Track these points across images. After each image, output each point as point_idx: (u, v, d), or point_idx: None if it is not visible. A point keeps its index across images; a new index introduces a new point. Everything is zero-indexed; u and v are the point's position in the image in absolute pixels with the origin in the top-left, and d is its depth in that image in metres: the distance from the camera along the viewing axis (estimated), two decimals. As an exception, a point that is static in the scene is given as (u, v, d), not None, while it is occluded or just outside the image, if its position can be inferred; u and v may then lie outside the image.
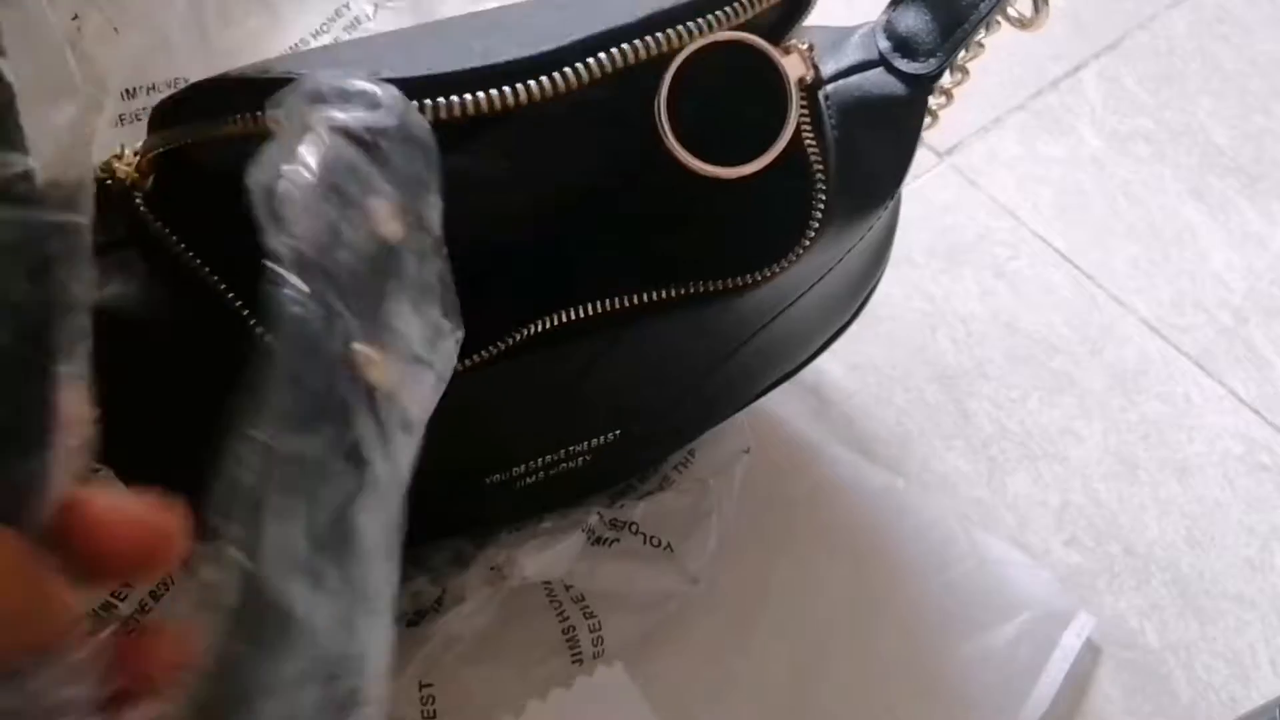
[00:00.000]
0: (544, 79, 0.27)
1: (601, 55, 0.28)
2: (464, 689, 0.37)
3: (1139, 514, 0.46)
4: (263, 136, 0.25)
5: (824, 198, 0.32)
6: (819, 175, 0.31)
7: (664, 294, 0.31)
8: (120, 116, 0.44)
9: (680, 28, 0.28)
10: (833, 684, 0.39)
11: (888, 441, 0.46)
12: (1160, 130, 0.57)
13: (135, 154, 0.27)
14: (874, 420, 0.47)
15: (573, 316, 0.30)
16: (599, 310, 0.31)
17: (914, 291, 0.51)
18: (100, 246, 0.28)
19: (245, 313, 0.28)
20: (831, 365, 0.43)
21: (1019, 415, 0.47)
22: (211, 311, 0.28)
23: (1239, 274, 0.53)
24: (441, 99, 0.27)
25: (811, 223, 0.32)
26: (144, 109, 0.44)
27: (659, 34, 0.28)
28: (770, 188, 0.30)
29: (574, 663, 0.38)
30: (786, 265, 0.32)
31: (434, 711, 0.37)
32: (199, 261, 0.28)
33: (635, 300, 0.31)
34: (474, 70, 0.27)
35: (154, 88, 0.44)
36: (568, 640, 0.39)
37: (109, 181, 0.27)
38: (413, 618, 0.39)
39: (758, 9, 0.29)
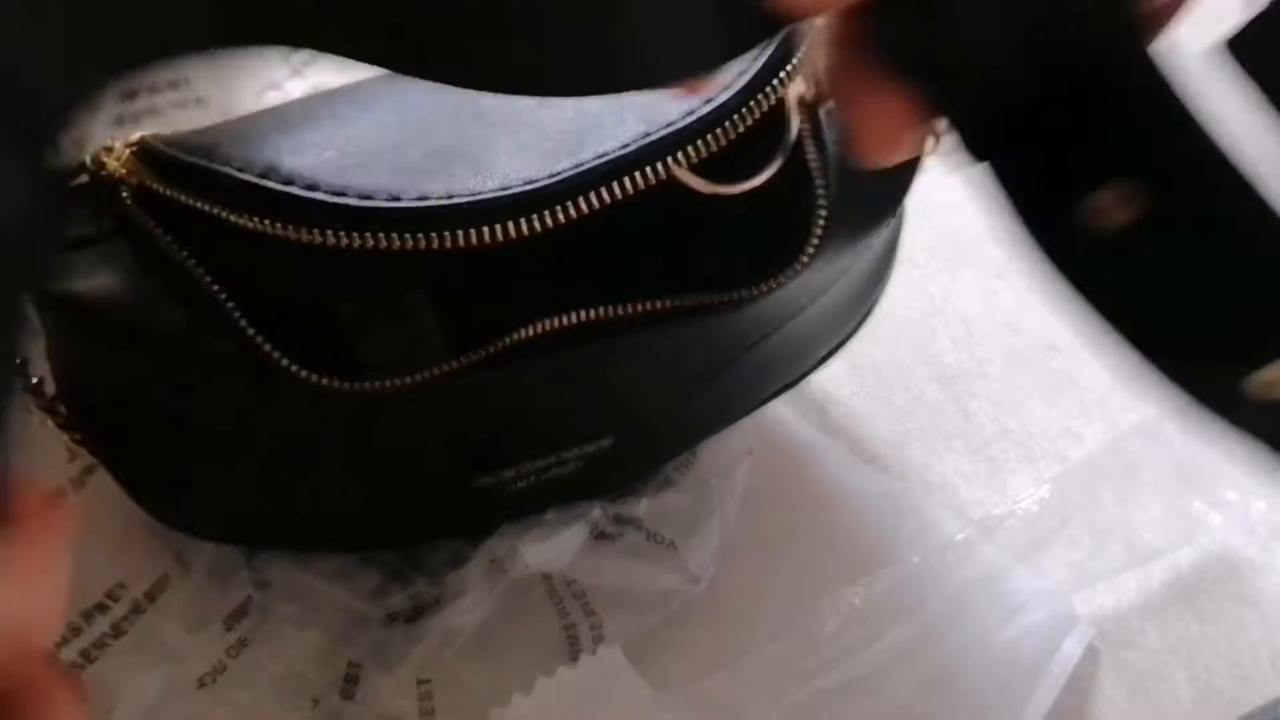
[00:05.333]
0: (526, 219, 0.27)
1: (592, 195, 0.28)
2: (463, 685, 0.37)
3: (1138, 513, 0.46)
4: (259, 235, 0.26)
5: (824, 213, 0.32)
6: (820, 191, 0.32)
7: (660, 305, 0.31)
8: (120, 117, 0.44)
9: (679, 154, 0.28)
10: (834, 684, 0.39)
11: (888, 442, 0.46)
12: (1160, 131, 0.57)
13: (125, 147, 0.27)
14: (874, 420, 0.47)
15: (566, 323, 0.30)
16: (593, 317, 0.31)
17: (914, 291, 0.51)
18: (88, 238, 0.28)
19: (230, 305, 0.28)
20: (832, 365, 0.43)
21: (1019, 415, 0.47)
22: (198, 305, 0.28)
23: (1239, 274, 0.53)
24: (431, 234, 0.27)
25: (812, 239, 0.32)
26: (144, 109, 0.44)
27: (656, 165, 0.28)
28: (771, 203, 0.31)
29: (574, 661, 0.38)
30: (785, 280, 0.32)
31: (432, 708, 0.37)
32: (185, 254, 0.28)
33: (631, 309, 0.31)
34: (462, 206, 0.27)
35: (154, 88, 0.44)
36: (568, 637, 0.39)
37: (101, 173, 0.27)
38: (410, 614, 0.39)
39: (755, 117, 0.29)
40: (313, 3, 0.18)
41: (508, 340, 0.30)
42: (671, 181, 0.29)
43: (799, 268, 0.32)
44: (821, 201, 0.32)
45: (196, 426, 0.32)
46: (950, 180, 0.56)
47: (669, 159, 0.28)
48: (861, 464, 0.45)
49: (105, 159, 0.27)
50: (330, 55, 0.18)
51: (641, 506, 0.40)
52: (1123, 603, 0.43)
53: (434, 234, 0.27)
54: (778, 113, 0.30)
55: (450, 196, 0.27)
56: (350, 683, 0.37)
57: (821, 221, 0.32)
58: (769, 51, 0.30)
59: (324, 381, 0.29)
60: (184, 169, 0.28)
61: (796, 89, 0.31)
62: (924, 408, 0.47)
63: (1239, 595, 0.44)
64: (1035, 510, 0.45)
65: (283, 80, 0.47)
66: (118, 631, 0.37)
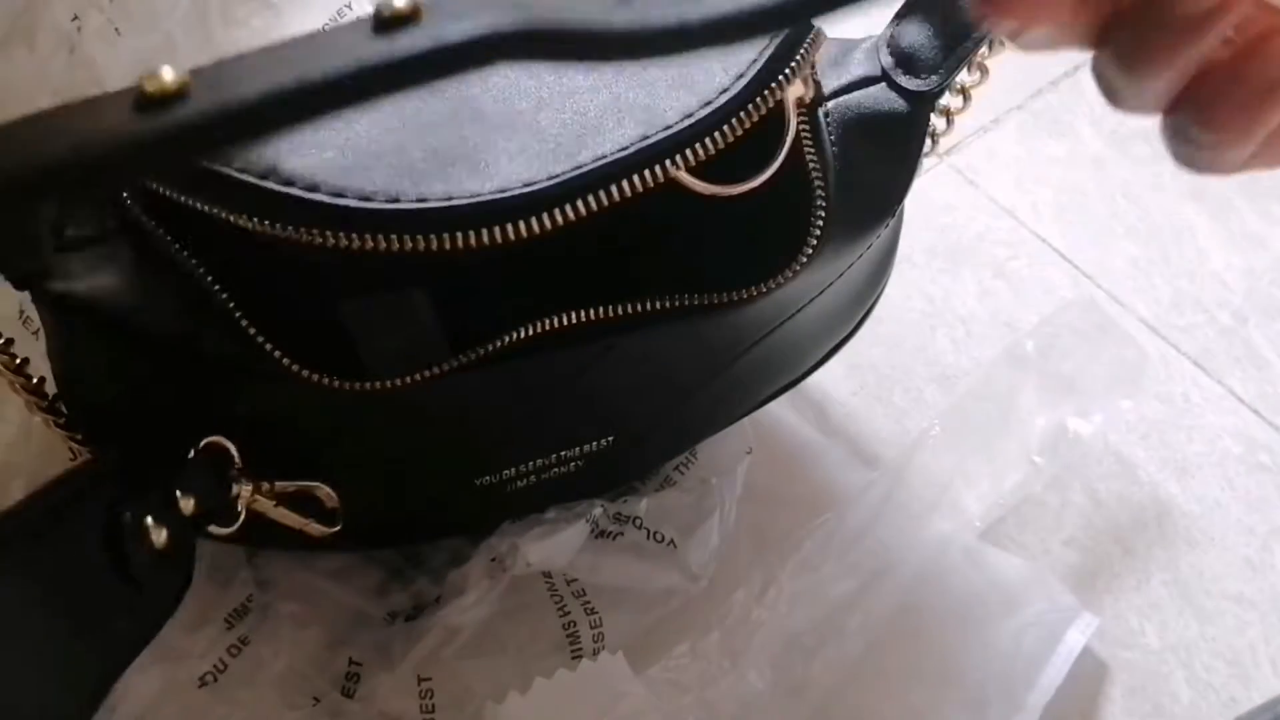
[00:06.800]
0: (525, 222, 0.27)
1: (590, 198, 0.28)
2: (463, 683, 0.37)
3: (1138, 514, 0.46)
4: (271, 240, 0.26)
5: (823, 213, 0.32)
6: (819, 191, 0.32)
7: (660, 305, 0.31)
8: (121, 117, 0.44)
9: (678, 157, 0.28)
10: (835, 683, 0.39)
11: (887, 442, 0.46)
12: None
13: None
14: (874, 420, 0.47)
15: (565, 323, 0.30)
16: (593, 318, 0.31)
17: (914, 291, 0.51)
18: (90, 238, 0.28)
19: (231, 305, 0.28)
20: (831, 366, 0.43)
21: (1019, 415, 0.47)
22: (199, 305, 0.28)
23: (1238, 274, 0.53)
24: (430, 235, 0.27)
25: (810, 238, 0.32)
26: (146, 109, 0.44)
27: (655, 168, 0.28)
28: (770, 203, 0.31)
29: (574, 659, 0.38)
30: (784, 280, 0.32)
31: (433, 705, 0.37)
32: (186, 255, 0.28)
33: (631, 310, 0.31)
34: (461, 208, 0.27)
35: (155, 88, 0.44)
36: (568, 635, 0.39)
37: None
38: (411, 613, 0.39)
39: (754, 119, 0.29)
40: None
41: (508, 340, 0.30)
42: (670, 183, 0.29)
43: (798, 268, 0.32)
44: (820, 202, 0.32)
45: (189, 415, 0.32)
46: (949, 180, 0.57)
47: (668, 161, 0.28)
48: (861, 464, 0.45)
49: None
50: None
51: (642, 505, 0.40)
52: (1122, 603, 0.43)
53: (433, 235, 0.27)
54: (777, 114, 0.30)
55: (449, 198, 0.27)
56: (351, 681, 0.37)
57: (820, 222, 0.32)
58: (767, 53, 0.30)
59: (324, 381, 0.29)
60: (204, 180, 0.28)
61: (795, 90, 0.31)
62: (924, 408, 0.47)
63: (1239, 595, 0.44)
64: (1034, 510, 0.45)
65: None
66: (119, 630, 0.37)
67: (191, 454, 0.30)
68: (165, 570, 0.28)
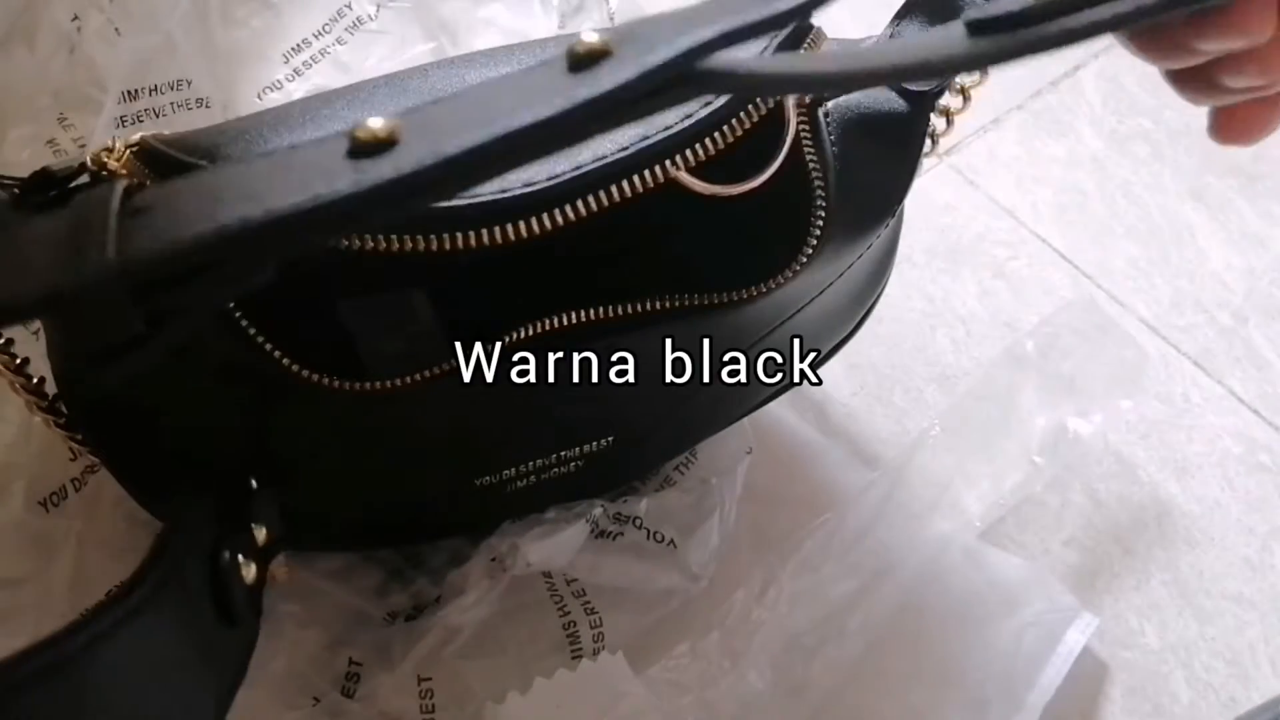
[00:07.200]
0: (525, 222, 0.27)
1: (590, 198, 0.28)
2: (463, 683, 0.37)
3: (1138, 514, 0.46)
4: None
5: (823, 213, 0.32)
6: (819, 191, 0.32)
7: (659, 305, 0.31)
8: (121, 118, 0.44)
9: (677, 157, 0.29)
10: (835, 684, 0.39)
11: (887, 442, 0.46)
12: (1159, 130, 0.57)
13: (125, 147, 0.27)
14: (874, 420, 0.47)
15: (566, 323, 0.30)
16: (593, 318, 0.31)
17: (913, 291, 0.51)
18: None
19: (231, 305, 0.28)
20: (831, 365, 0.43)
21: (1019, 415, 0.47)
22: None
23: (1238, 274, 0.53)
24: (430, 236, 0.27)
25: (810, 239, 0.32)
26: (146, 110, 0.44)
27: (655, 168, 0.28)
28: (770, 203, 0.31)
29: (574, 659, 0.38)
30: (784, 280, 0.32)
31: (432, 705, 0.37)
32: None
33: (632, 310, 0.31)
34: (461, 208, 0.27)
35: (156, 89, 0.45)
36: (568, 636, 0.39)
37: (101, 173, 0.27)
38: (411, 613, 0.39)
39: (753, 119, 0.29)
40: None
41: (508, 340, 0.30)
42: (670, 183, 0.29)
43: (798, 268, 0.32)
44: (820, 202, 0.32)
45: (198, 426, 0.32)
46: (949, 180, 0.57)
47: (667, 161, 0.28)
48: (861, 464, 0.45)
49: (106, 159, 0.27)
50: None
51: (642, 505, 0.40)
52: (1121, 603, 0.43)
53: (433, 236, 0.27)
54: (776, 114, 0.30)
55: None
56: (351, 681, 0.37)
57: (820, 222, 0.32)
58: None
59: (324, 381, 0.29)
60: (184, 169, 0.28)
61: (795, 89, 0.31)
62: (924, 407, 0.47)
63: (1238, 595, 0.44)
64: (1034, 510, 0.45)
65: (284, 81, 0.48)
66: (119, 630, 0.37)
67: (254, 486, 0.31)
68: (253, 604, 0.30)
